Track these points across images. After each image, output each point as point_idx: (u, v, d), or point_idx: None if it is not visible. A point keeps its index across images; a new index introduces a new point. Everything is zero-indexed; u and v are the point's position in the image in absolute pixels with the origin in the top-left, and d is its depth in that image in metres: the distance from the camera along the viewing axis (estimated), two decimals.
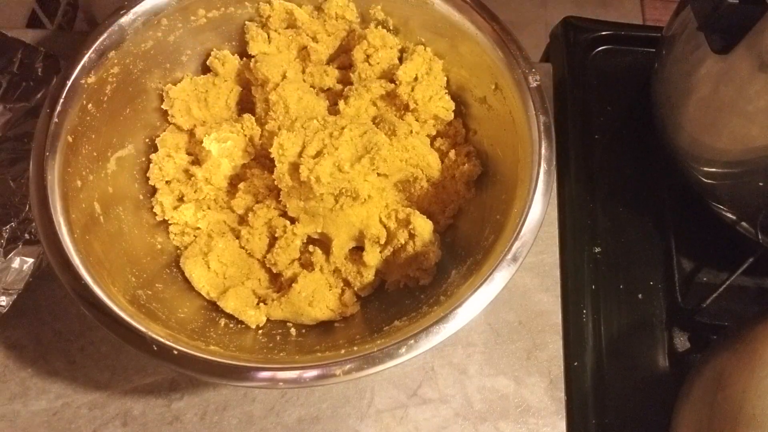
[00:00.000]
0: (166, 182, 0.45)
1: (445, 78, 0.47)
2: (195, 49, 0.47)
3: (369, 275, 0.44)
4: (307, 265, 0.45)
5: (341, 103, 0.46)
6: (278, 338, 0.42)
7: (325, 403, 0.45)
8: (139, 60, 0.44)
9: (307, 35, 0.48)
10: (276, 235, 0.44)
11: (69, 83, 0.39)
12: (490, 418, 0.46)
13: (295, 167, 0.40)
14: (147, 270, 0.42)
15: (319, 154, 0.40)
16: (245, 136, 0.45)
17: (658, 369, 0.49)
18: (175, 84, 0.46)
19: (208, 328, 0.41)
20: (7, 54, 0.53)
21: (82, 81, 0.40)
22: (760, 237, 0.46)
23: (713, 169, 0.46)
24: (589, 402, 0.47)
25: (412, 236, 0.42)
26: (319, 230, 0.44)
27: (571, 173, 0.55)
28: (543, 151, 0.39)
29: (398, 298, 0.44)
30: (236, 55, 0.49)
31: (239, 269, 0.44)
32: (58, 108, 0.39)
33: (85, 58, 0.40)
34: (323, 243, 0.45)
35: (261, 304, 0.43)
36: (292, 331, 0.43)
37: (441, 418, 0.45)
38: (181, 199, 0.45)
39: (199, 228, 0.45)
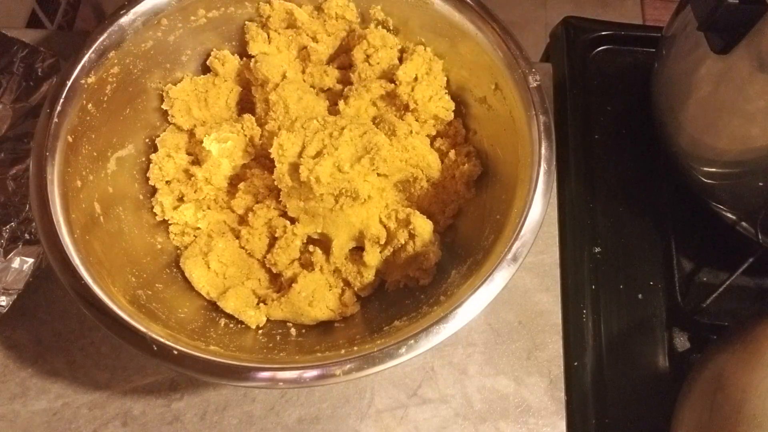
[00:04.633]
0: (166, 182, 0.45)
1: (445, 78, 0.47)
2: (195, 49, 0.47)
3: (369, 275, 0.44)
4: (307, 265, 0.45)
5: (341, 103, 0.46)
6: (278, 338, 0.42)
7: (325, 403, 0.45)
8: (139, 60, 0.44)
9: (307, 35, 0.48)
10: (276, 235, 0.44)
11: (69, 83, 0.39)
12: (490, 418, 0.46)
13: (295, 167, 0.40)
14: (147, 270, 0.42)
15: (319, 154, 0.40)
16: (245, 136, 0.45)
17: (658, 369, 0.49)
18: (175, 84, 0.46)
19: (208, 328, 0.41)
20: (7, 54, 0.53)
21: (82, 81, 0.40)
22: (760, 237, 0.46)
23: (713, 169, 0.45)
24: (589, 402, 0.47)
25: (412, 236, 0.42)
26: (319, 230, 0.44)
27: (571, 173, 0.55)
28: (543, 151, 0.39)
29: (398, 298, 0.44)
30: (236, 55, 0.49)
31: (239, 269, 0.44)
32: (58, 108, 0.39)
33: (85, 58, 0.40)
34: (323, 243, 0.45)
35: (261, 304, 0.43)
36: (292, 331, 0.43)
37: (441, 418, 0.45)
38: (181, 199, 0.45)
39: (199, 228, 0.45)
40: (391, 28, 0.48)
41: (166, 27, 0.44)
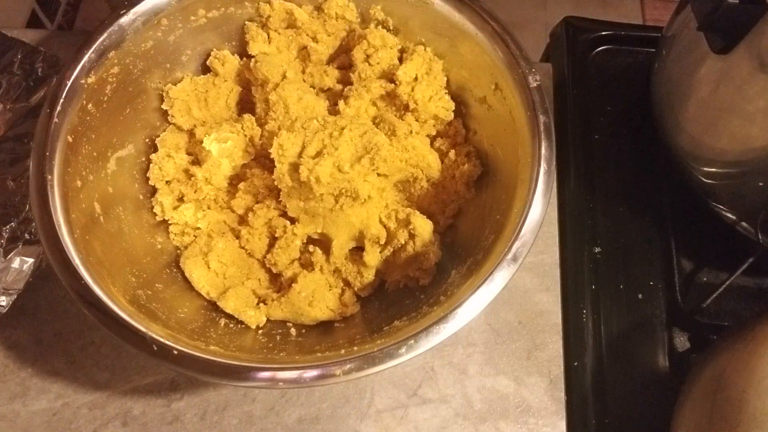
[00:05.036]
0: (166, 182, 0.45)
1: (445, 78, 0.47)
2: (195, 49, 0.47)
3: (369, 275, 0.44)
4: (307, 265, 0.45)
5: (341, 103, 0.46)
6: (278, 338, 0.42)
7: (325, 403, 0.45)
8: (139, 60, 0.44)
9: (307, 35, 0.48)
10: (276, 235, 0.44)
11: (69, 83, 0.39)
12: (490, 418, 0.46)
13: (295, 167, 0.40)
14: (147, 270, 0.42)
15: (319, 154, 0.40)
16: (245, 136, 0.45)
17: (658, 369, 0.49)
18: (175, 84, 0.46)
19: (208, 328, 0.41)
20: (7, 54, 0.53)
21: (82, 81, 0.40)
22: (760, 237, 0.46)
23: (713, 169, 0.45)
24: (589, 402, 0.47)
25: (412, 236, 0.42)
26: (319, 230, 0.44)
27: (571, 173, 0.55)
28: (543, 151, 0.39)
29: (398, 298, 0.44)
30: (236, 55, 0.49)
31: (239, 269, 0.44)
32: (58, 108, 0.39)
33: (85, 58, 0.40)
34: (323, 243, 0.45)
35: (261, 304, 0.43)
36: (292, 331, 0.43)
37: (441, 418, 0.45)
38: (181, 199, 0.45)
39: (199, 228, 0.45)
40: (391, 28, 0.48)
41: (166, 27, 0.44)
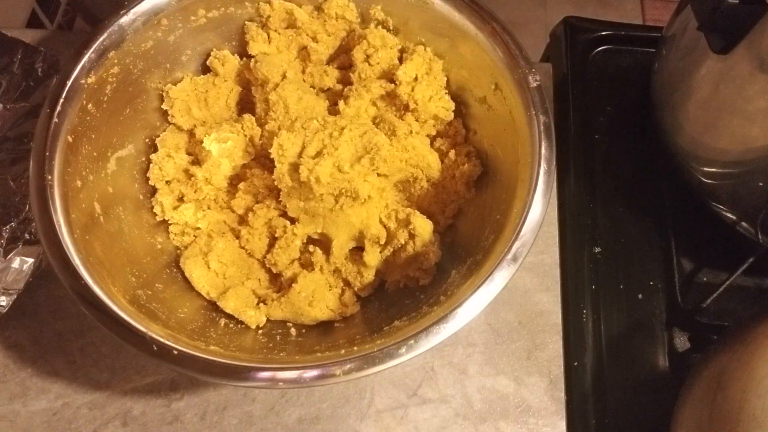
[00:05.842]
0: (166, 182, 0.45)
1: (445, 78, 0.47)
2: (195, 49, 0.47)
3: (369, 275, 0.44)
4: (307, 265, 0.45)
5: (341, 103, 0.46)
6: (278, 338, 0.42)
7: (325, 403, 0.45)
8: (139, 60, 0.44)
9: (307, 35, 0.48)
10: (276, 235, 0.44)
11: (69, 83, 0.39)
12: (490, 418, 0.46)
13: (295, 167, 0.40)
14: (147, 270, 0.42)
15: (318, 154, 0.40)
16: (245, 136, 0.45)
17: (658, 369, 0.49)
18: (175, 84, 0.46)
19: (208, 328, 0.41)
20: (7, 54, 0.53)
21: (82, 81, 0.40)
22: (760, 237, 0.46)
23: (713, 169, 0.46)
24: (589, 402, 0.47)
25: (412, 236, 0.42)
26: (319, 230, 0.44)
27: (571, 173, 0.55)
28: (543, 151, 0.39)
29: (398, 298, 0.44)
30: (236, 55, 0.49)
31: (239, 269, 0.44)
32: (58, 108, 0.39)
33: (85, 58, 0.40)
34: (323, 243, 0.45)
35: (261, 304, 0.43)
36: (292, 331, 0.43)
37: (441, 418, 0.45)
38: (181, 199, 0.45)
39: (199, 228, 0.45)
40: (391, 28, 0.48)
41: (166, 27, 0.44)
